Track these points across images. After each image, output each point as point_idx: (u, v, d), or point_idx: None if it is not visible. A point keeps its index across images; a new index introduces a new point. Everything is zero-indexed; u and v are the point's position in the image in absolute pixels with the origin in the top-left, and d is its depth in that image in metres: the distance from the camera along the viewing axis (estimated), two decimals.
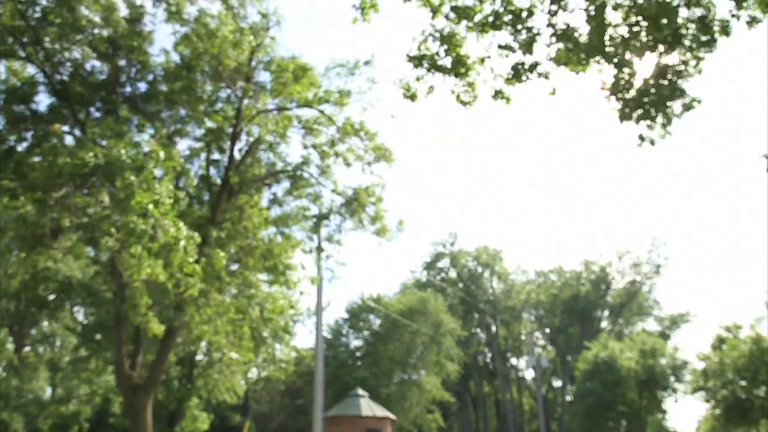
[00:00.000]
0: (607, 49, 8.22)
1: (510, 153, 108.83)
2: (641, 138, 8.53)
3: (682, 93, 8.35)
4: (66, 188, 12.66)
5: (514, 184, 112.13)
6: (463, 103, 8.74)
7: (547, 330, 61.98)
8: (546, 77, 8.55)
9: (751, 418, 35.79)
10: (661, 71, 8.34)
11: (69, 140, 15.31)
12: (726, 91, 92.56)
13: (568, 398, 54.50)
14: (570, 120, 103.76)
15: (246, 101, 17.67)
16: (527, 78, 8.28)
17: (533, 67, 8.37)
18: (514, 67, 8.27)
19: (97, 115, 16.69)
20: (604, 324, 61.91)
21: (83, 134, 14.66)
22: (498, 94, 8.60)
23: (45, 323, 32.95)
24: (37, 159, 14.35)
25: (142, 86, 17.32)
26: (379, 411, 30.04)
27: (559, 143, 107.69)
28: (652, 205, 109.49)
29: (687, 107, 8.38)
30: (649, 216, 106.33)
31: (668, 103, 8.35)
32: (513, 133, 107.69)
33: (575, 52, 8.26)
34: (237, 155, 18.20)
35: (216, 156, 19.19)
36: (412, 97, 8.75)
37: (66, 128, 16.00)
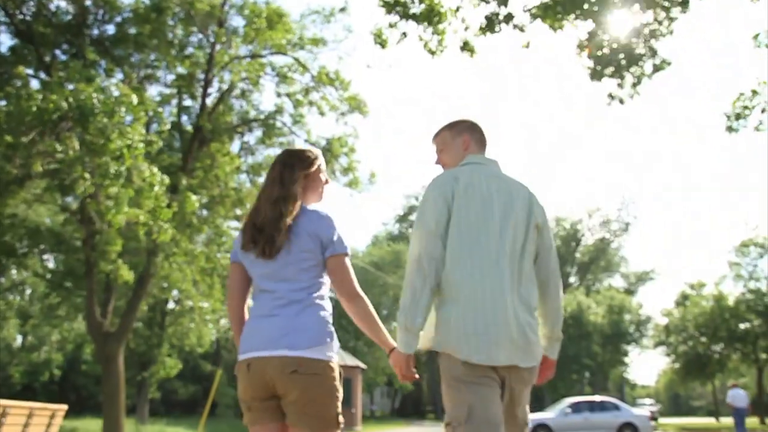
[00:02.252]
0: (585, 6, 8.17)
1: (483, 108, 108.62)
2: (611, 96, 8.60)
3: (654, 53, 8.39)
4: (34, 133, 12.37)
5: (487, 139, 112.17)
6: (431, 53, 8.69)
7: None
8: (521, 30, 8.50)
9: (708, 372, 37.35)
10: (635, 30, 8.35)
11: (34, 84, 14.90)
12: (696, 51, 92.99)
13: None
14: (542, 77, 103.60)
15: (218, 47, 17.29)
16: (500, 29, 8.22)
17: (508, 18, 8.30)
18: (488, 17, 8.20)
19: (63, 58, 16.20)
20: (572, 279, 63.27)
21: (49, 77, 14.24)
22: (465, 45, 8.55)
23: (14, 271, 32.54)
24: (1, 103, 13.95)
25: (110, 29, 16.84)
26: (350, 360, 30.63)
27: (532, 100, 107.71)
28: (622, 164, 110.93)
29: (657, 68, 8.44)
30: (619, 174, 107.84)
31: (640, 63, 8.40)
32: (486, 88, 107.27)
33: (552, 7, 8.20)
34: (209, 102, 17.91)
35: (187, 103, 18.90)
36: (383, 44, 8.66)
37: (30, 71, 15.51)
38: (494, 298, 2.29)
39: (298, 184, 2.44)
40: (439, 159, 2.71)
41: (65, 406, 10.39)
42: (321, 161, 2.59)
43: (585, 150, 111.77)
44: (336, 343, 2.36)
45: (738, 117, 9.02)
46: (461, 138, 2.65)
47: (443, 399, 2.40)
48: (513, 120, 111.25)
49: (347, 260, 2.41)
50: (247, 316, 2.48)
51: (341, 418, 2.29)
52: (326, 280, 2.41)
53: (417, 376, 2.41)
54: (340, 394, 2.28)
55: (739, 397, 18.31)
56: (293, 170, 2.46)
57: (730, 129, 9.05)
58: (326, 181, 2.62)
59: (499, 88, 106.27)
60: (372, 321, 2.39)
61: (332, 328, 2.35)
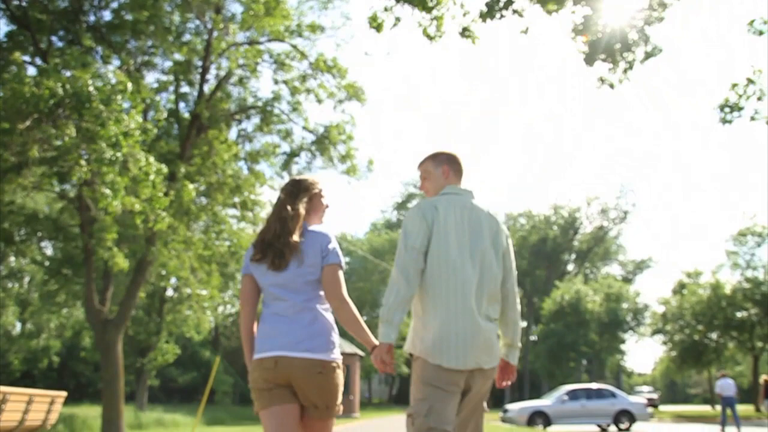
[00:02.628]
0: None
1: (482, 95, 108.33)
2: (601, 80, 8.58)
3: (646, 39, 8.36)
4: (30, 120, 12.32)
5: (486, 127, 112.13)
6: (429, 38, 8.62)
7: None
8: (520, 14, 8.44)
9: (704, 360, 37.54)
10: (630, 16, 8.31)
11: (30, 71, 14.81)
12: (695, 38, 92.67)
13: (533, 338, 56.17)
14: (542, 63, 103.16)
15: (216, 33, 17.19)
16: (501, 15, 8.17)
17: (508, 3, 8.25)
18: (488, 4, 8.14)
19: (60, 44, 16.10)
20: (570, 267, 63.42)
21: (46, 64, 14.16)
22: (465, 31, 8.48)
23: (12, 259, 32.54)
24: None
25: (107, 15, 16.71)
26: (348, 348, 30.75)
27: (532, 86, 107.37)
28: (621, 152, 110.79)
29: (649, 54, 8.41)
30: (618, 163, 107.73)
31: (632, 49, 8.37)
32: (485, 74, 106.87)
33: None
34: (206, 89, 17.83)
35: (185, 90, 18.79)
36: (378, 28, 8.58)
37: (26, 58, 15.42)
38: (465, 314, 2.74)
39: (302, 206, 2.92)
40: (422, 186, 3.12)
41: (64, 393, 10.41)
42: (322, 188, 3.06)
43: (584, 138, 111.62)
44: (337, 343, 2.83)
45: (733, 109, 8.98)
46: (442, 168, 3.05)
47: (411, 393, 2.82)
48: (512, 107, 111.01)
49: (340, 271, 2.84)
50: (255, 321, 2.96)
51: (341, 406, 2.80)
52: (322, 292, 2.84)
53: (393, 371, 2.79)
54: (342, 386, 2.78)
55: (727, 386, 18.88)
56: (298, 194, 2.96)
57: (724, 121, 9.01)
58: (327, 206, 3.09)
59: (496, 74, 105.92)
60: (357, 323, 2.79)
61: (337, 333, 2.83)
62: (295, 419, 2.73)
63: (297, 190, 2.98)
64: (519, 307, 3.09)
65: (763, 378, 19.52)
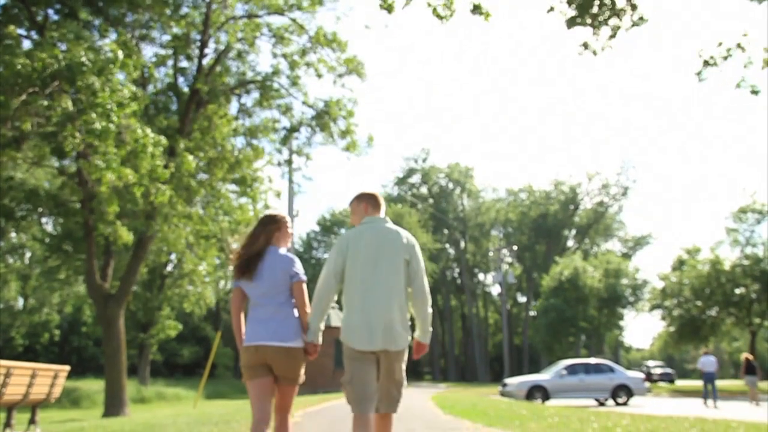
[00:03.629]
0: None
1: (485, 71, 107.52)
2: (584, 46, 8.42)
3: (634, 8, 8.20)
4: (26, 93, 12.20)
5: (488, 103, 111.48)
6: (440, 17, 8.41)
7: (515, 247, 63.41)
8: None
9: (702, 336, 37.71)
10: None
11: (26, 44, 14.63)
12: (703, 15, 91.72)
13: (532, 314, 56.45)
14: (544, 39, 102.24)
15: (214, 6, 16.97)
16: None
17: None
18: None
19: (56, 18, 15.87)
20: (570, 243, 63.46)
21: (41, 38, 13.99)
22: (476, 9, 8.27)
23: (13, 235, 32.57)
24: None
25: None
26: None
27: (534, 63, 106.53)
28: (622, 128, 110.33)
29: (635, 23, 8.25)
30: (619, 138, 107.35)
31: (620, 15, 8.21)
32: (487, 50, 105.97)
33: None
34: (205, 64, 17.66)
35: (184, 64, 18.60)
36: (389, 9, 8.37)
37: (22, 31, 15.23)
38: (373, 309, 3.74)
39: (272, 235, 4.04)
40: (352, 219, 4.18)
41: (67, 367, 10.49)
42: (288, 221, 4.19)
43: (585, 113, 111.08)
44: (302, 334, 3.92)
45: (707, 64, 8.79)
46: (362, 205, 4.11)
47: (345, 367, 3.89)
48: (512, 81, 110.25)
49: (304, 285, 3.97)
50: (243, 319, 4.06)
51: (303, 376, 3.99)
52: (292, 299, 3.97)
53: (312, 357, 3.94)
54: (304, 364, 3.93)
55: (708, 362, 20.11)
56: (270, 225, 4.06)
57: (699, 77, 8.85)
58: (292, 233, 4.26)
59: (496, 46, 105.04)
60: (306, 327, 3.95)
61: (301, 327, 3.93)
62: (270, 387, 3.89)
63: (269, 223, 4.08)
64: (428, 299, 3.93)
65: (743, 355, 21.27)
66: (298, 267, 4.00)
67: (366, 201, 4.10)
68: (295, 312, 3.95)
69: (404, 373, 3.95)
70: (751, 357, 20.70)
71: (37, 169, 19.61)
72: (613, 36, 8.30)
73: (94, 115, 10.62)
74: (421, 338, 3.99)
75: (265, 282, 3.89)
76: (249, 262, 3.92)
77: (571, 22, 8.23)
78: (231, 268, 4.02)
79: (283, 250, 4.03)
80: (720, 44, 8.70)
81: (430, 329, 4.00)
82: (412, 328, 3.98)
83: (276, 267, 3.91)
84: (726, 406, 19.39)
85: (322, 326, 3.93)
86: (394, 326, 3.74)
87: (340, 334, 3.91)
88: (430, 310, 3.96)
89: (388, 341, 3.73)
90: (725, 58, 8.69)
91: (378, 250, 3.83)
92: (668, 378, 41.42)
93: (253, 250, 3.96)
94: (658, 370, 44.31)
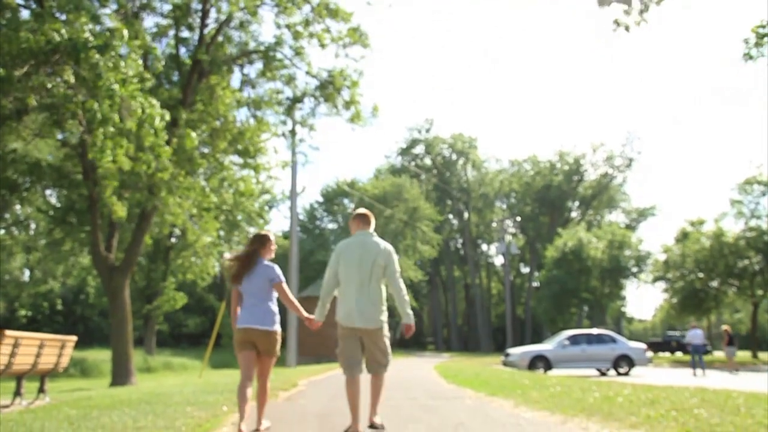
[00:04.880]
0: None
1: (489, 41, 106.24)
2: (616, 23, 8.34)
3: None
4: (28, 66, 12.11)
5: (493, 73, 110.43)
6: None
7: (518, 218, 63.31)
8: None
9: (704, 308, 37.84)
10: None
11: (25, 14, 14.47)
12: None
13: (535, 284, 56.61)
14: (550, 8, 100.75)
15: None
16: None
17: None
18: None
19: None
20: (573, 214, 63.35)
21: (41, 8, 13.82)
22: None
23: (18, 207, 32.60)
24: None
25: None
26: None
27: (539, 33, 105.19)
28: (627, 99, 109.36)
29: None
30: (625, 109, 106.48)
31: None
32: (491, 20, 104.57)
33: None
34: (207, 34, 17.46)
35: (185, 34, 18.39)
36: None
37: (20, 1, 15.04)
38: (355, 298, 5.03)
39: (260, 249, 5.44)
40: (351, 230, 5.47)
41: (74, 337, 10.61)
42: (272, 237, 5.59)
43: (590, 84, 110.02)
44: (279, 321, 5.39)
45: (758, 44, 8.68)
46: (356, 221, 5.43)
47: None
48: (518, 53, 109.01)
49: (284, 284, 5.41)
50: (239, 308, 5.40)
51: (278, 352, 5.43)
52: (275, 294, 5.43)
53: (316, 325, 5.43)
54: (279, 342, 5.39)
55: (696, 335, 20.96)
56: (258, 243, 5.46)
57: (748, 56, 8.74)
58: (275, 248, 5.61)
59: (501, 16, 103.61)
60: (297, 309, 5.55)
61: (278, 316, 5.37)
62: (253, 358, 5.30)
63: (257, 241, 5.47)
64: (402, 290, 5.12)
65: (723, 328, 23.00)
66: (278, 272, 5.39)
67: (359, 219, 5.41)
68: (274, 306, 5.36)
69: (388, 346, 5.16)
70: (730, 330, 22.54)
71: (40, 141, 19.54)
72: (645, 10, 8.19)
73: (96, 104, 10.56)
74: (405, 320, 5.14)
75: (253, 284, 5.27)
76: (242, 271, 5.29)
77: (602, 1, 8.13)
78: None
79: (266, 261, 5.43)
80: (762, 22, 8.56)
81: (410, 312, 5.15)
82: (395, 315, 5.25)
83: (261, 273, 5.31)
84: (712, 375, 20.16)
85: (325, 311, 5.30)
86: (366, 310, 4.99)
87: (336, 316, 5.16)
88: (406, 298, 5.14)
89: (363, 321, 4.98)
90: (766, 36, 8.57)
91: (361, 256, 5.09)
92: (706, 350, 40.53)
93: (246, 261, 5.34)
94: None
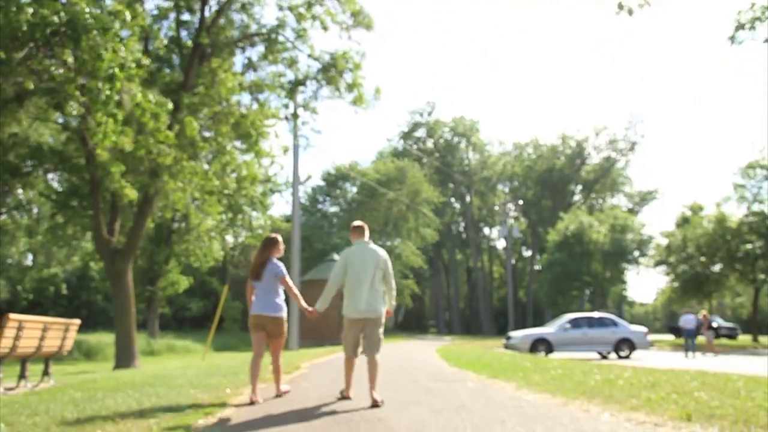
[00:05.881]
0: None
1: (492, 24, 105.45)
2: (620, 6, 8.28)
3: None
4: (28, 48, 12.03)
5: (495, 56, 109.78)
6: None
7: (521, 202, 63.22)
8: None
9: (705, 291, 37.87)
10: None
11: None
12: None
13: (537, 268, 56.69)
14: None
15: None
16: None
17: None
18: None
19: None
20: (576, 198, 63.25)
21: None
22: None
23: (20, 191, 32.60)
24: None
25: None
26: None
27: (542, 15, 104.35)
28: (631, 82, 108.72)
29: None
30: (628, 93, 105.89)
31: None
32: (494, 4, 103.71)
33: None
34: (208, 16, 17.33)
35: (186, 17, 18.25)
36: None
37: None
38: (360, 294, 6.05)
39: (269, 251, 6.60)
40: (351, 239, 6.47)
41: (78, 321, 10.66)
42: (281, 241, 6.75)
43: (594, 67, 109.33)
44: (285, 309, 6.65)
45: (741, 27, 8.62)
46: (355, 233, 6.43)
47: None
48: (520, 37, 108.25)
49: (287, 278, 6.58)
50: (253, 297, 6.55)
51: (285, 334, 6.71)
52: (281, 288, 6.59)
53: (314, 315, 6.38)
54: (285, 325, 6.63)
55: (688, 320, 22.47)
56: (269, 246, 6.62)
57: (732, 39, 8.69)
58: (283, 248, 6.79)
59: (507, 2, 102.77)
60: (297, 299, 6.75)
61: (285, 305, 6.64)
62: (263, 338, 6.47)
63: (269, 244, 6.62)
64: (394, 291, 6.36)
65: (702, 313, 24.36)
66: (282, 268, 6.59)
67: (357, 230, 6.46)
68: (281, 295, 6.55)
69: (382, 333, 6.21)
70: (708, 316, 24.35)
71: (41, 124, 19.48)
72: None
73: (98, 83, 10.52)
74: (389, 308, 6.36)
75: (265, 280, 6.46)
76: (260, 270, 6.46)
77: None
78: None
79: (275, 260, 6.59)
80: (752, 5, 8.48)
81: (395, 303, 6.53)
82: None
83: (270, 270, 6.50)
84: (701, 357, 21.13)
85: (327, 304, 6.28)
86: (371, 303, 6.07)
87: (344, 311, 6.21)
88: (394, 293, 6.39)
89: (371, 312, 6.06)
90: (757, 19, 8.49)
91: (363, 261, 6.14)
92: (734, 333, 40.46)
93: (260, 261, 6.52)
94: (726, 325, 42.79)
